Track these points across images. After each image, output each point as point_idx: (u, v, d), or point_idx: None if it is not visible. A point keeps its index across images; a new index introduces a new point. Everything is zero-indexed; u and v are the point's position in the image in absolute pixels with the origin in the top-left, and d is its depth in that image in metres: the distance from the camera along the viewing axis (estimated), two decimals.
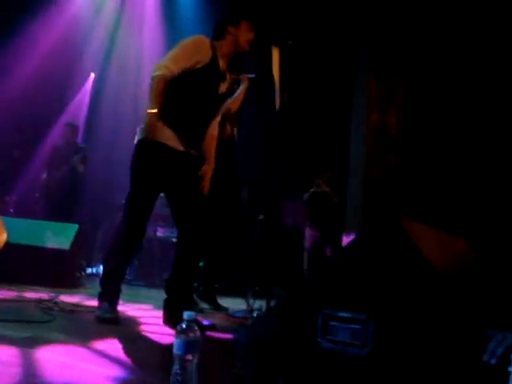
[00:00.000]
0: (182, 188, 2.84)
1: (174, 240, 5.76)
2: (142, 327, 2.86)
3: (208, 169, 3.00)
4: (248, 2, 5.94)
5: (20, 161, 6.42)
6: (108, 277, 2.90)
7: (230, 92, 3.38)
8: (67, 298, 3.50)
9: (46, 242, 4.41)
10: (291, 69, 3.35)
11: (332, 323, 1.59)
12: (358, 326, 1.52)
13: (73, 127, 6.21)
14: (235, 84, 3.70)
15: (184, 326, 1.71)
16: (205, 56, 2.80)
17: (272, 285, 3.35)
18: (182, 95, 2.78)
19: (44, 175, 5.91)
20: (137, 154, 2.83)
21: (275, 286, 3.43)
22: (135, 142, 2.86)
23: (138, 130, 2.87)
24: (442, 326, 1.39)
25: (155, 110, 2.67)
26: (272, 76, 3.31)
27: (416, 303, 1.46)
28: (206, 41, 2.86)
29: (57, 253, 4.37)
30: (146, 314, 3.27)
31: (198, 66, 2.77)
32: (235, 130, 4.02)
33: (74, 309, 3.07)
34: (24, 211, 5.95)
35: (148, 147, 2.78)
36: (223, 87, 2.97)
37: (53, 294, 3.53)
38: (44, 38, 6.61)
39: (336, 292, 1.64)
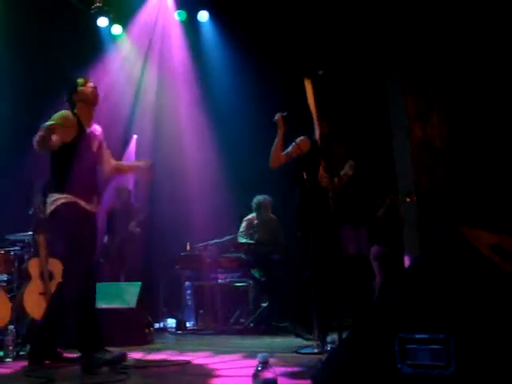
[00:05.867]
0: None
1: (236, 285, 5.77)
2: (217, 372, 2.81)
3: None
4: (275, 40, 6.08)
5: None
6: None
7: None
8: (139, 355, 3.53)
9: (112, 302, 4.49)
10: (326, 97, 3.35)
11: (409, 346, 1.53)
12: (437, 346, 1.46)
13: (124, 190, 6.41)
14: None
15: (260, 368, 1.69)
16: None
17: (343, 317, 3.25)
18: None
19: (105, 239, 6.16)
20: None
21: (346, 317, 3.32)
22: None
23: None
24: None
25: None
26: (307, 107, 3.32)
27: (497, 314, 1.39)
28: None
29: (124, 312, 4.43)
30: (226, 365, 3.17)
31: None
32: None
33: (147, 365, 3.08)
34: None
35: None
36: None
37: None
38: None
39: (409, 314, 1.59)
